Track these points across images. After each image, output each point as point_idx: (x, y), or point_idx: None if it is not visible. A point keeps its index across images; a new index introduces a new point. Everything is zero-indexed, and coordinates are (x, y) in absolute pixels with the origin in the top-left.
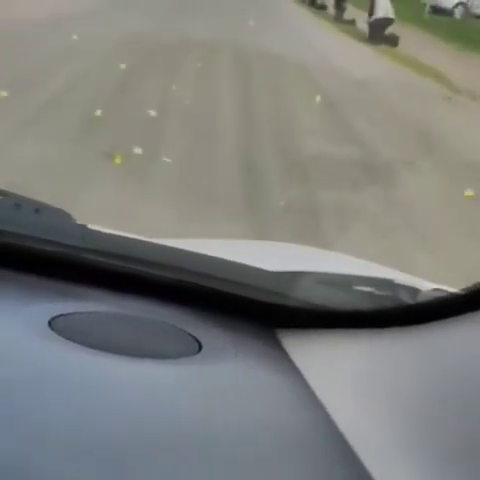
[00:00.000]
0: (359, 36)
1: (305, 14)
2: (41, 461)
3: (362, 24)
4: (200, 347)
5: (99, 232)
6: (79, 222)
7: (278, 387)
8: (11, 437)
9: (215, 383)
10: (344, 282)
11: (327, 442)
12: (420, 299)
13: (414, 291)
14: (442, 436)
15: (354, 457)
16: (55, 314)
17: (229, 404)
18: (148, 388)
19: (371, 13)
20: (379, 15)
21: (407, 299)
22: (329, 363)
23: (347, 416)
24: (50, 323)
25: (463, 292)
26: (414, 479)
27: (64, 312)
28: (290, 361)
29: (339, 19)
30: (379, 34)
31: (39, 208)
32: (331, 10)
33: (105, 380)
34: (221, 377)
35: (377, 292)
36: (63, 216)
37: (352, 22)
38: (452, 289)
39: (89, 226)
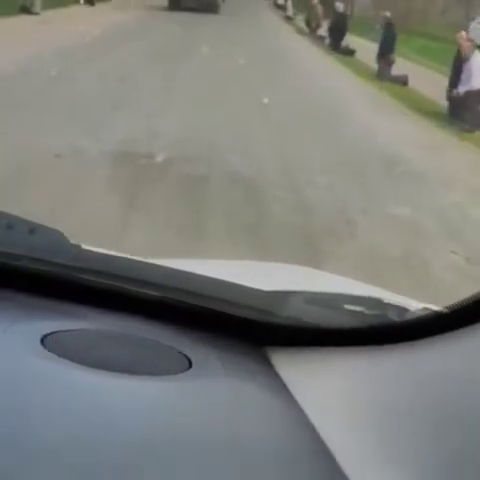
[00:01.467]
0: (425, 109)
1: (331, 64)
2: (29, 478)
3: (416, 81)
4: (190, 364)
5: (92, 252)
6: (73, 242)
7: (267, 404)
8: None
9: (205, 400)
10: (333, 301)
11: (315, 460)
12: (408, 318)
13: (402, 310)
14: (431, 452)
15: (342, 476)
16: (47, 331)
17: (218, 421)
18: (139, 405)
19: (456, 81)
20: (474, 85)
21: (395, 318)
22: (318, 380)
23: (335, 433)
24: (42, 340)
25: (448, 310)
26: None
27: (56, 329)
28: (279, 379)
29: (385, 76)
30: (474, 114)
31: (33, 228)
32: (361, 56)
33: (97, 397)
34: (210, 394)
35: (366, 311)
36: (57, 236)
37: (404, 80)
38: (439, 308)
39: (83, 246)
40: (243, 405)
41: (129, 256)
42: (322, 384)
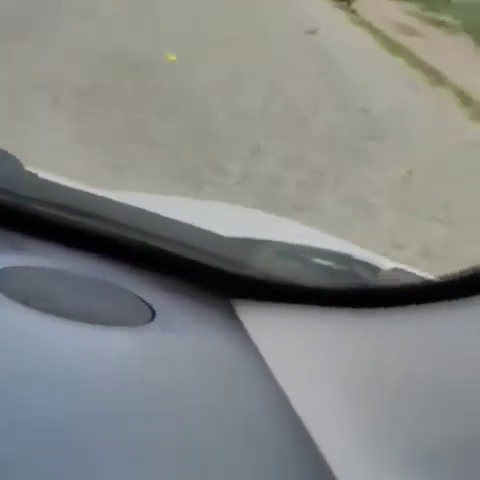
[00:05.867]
0: None
1: None
2: None
3: None
4: (153, 314)
5: (50, 182)
6: (29, 169)
7: (231, 359)
8: None
9: (167, 354)
10: (303, 254)
11: (277, 415)
12: (379, 277)
13: (373, 269)
14: (398, 425)
15: (306, 435)
16: None
17: (180, 376)
18: (96, 356)
19: None
20: None
21: (366, 276)
22: (284, 337)
23: (299, 391)
24: None
25: (430, 281)
26: (363, 457)
27: (4, 266)
28: (245, 333)
29: None
30: None
31: None
32: None
33: (46, 345)
34: (174, 346)
35: (336, 267)
36: (12, 162)
37: None
38: (411, 269)
39: (39, 175)
40: (207, 360)
41: (90, 189)
42: (289, 341)
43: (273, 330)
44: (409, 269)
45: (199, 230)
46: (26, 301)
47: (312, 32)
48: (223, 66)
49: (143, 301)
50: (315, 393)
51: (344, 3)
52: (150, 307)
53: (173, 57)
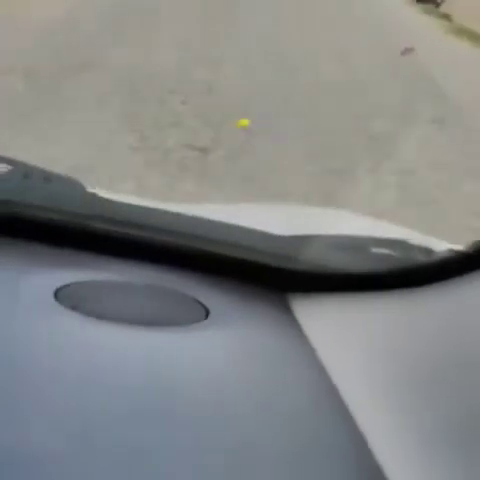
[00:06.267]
0: None
1: None
2: (49, 444)
3: None
4: (207, 313)
5: (109, 200)
6: (91, 191)
7: (284, 354)
8: (16, 417)
9: (221, 351)
10: (358, 244)
11: (329, 415)
12: (430, 259)
13: (428, 252)
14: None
15: (357, 433)
16: (61, 284)
17: (234, 373)
18: (155, 358)
19: None
20: None
21: (422, 260)
22: (340, 329)
23: (354, 389)
24: (56, 294)
25: (473, 250)
26: (418, 460)
27: (71, 281)
28: (298, 327)
29: None
30: None
31: (49, 177)
32: None
33: (111, 353)
34: (229, 344)
35: (393, 254)
36: (74, 185)
37: None
38: (464, 249)
39: (99, 194)
40: (261, 355)
41: (144, 203)
42: (345, 333)
43: (326, 322)
44: (463, 248)
45: (250, 231)
46: (89, 313)
47: (408, 51)
48: (309, 126)
49: (197, 301)
50: (368, 387)
51: (430, 5)
52: (204, 306)
53: (245, 121)
